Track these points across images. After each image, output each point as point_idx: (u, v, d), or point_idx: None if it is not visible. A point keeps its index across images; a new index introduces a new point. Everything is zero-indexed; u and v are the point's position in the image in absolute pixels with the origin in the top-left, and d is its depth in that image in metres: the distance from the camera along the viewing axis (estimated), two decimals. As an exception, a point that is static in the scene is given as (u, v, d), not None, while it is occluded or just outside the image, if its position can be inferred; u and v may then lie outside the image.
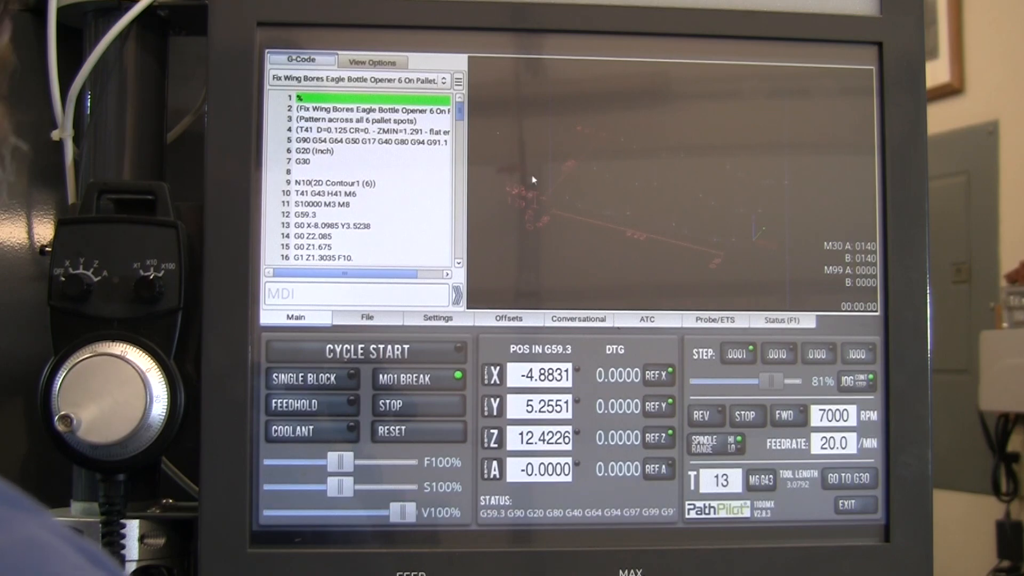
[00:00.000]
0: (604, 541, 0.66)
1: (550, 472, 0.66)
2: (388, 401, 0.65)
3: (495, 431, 0.66)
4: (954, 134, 2.39)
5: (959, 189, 2.40)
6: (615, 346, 0.67)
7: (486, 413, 0.66)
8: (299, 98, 0.66)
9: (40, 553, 0.31)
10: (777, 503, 0.67)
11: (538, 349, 0.66)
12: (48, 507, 0.71)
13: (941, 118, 2.35)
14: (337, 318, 0.65)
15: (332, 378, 0.65)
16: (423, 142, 0.67)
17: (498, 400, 0.66)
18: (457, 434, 0.65)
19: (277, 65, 0.66)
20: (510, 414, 0.66)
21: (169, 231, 0.65)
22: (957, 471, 2.26)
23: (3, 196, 0.79)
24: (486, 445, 0.65)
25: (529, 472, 0.66)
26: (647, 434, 0.66)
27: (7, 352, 0.78)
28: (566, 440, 0.66)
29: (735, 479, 0.67)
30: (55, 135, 0.71)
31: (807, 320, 0.68)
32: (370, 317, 0.65)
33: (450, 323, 0.66)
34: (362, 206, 0.66)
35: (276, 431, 0.64)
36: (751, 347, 0.67)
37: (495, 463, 0.65)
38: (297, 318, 0.65)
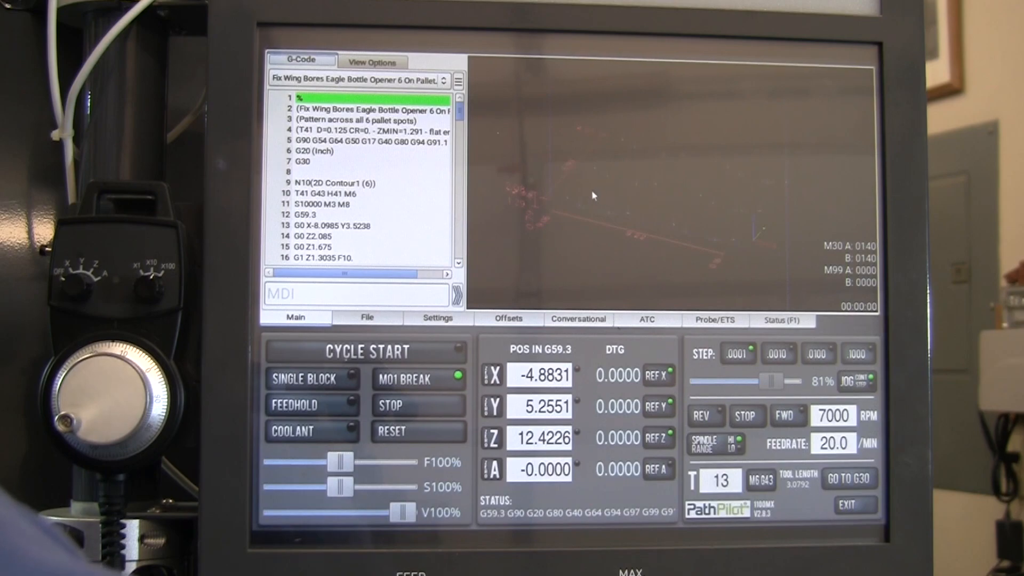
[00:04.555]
0: (604, 541, 0.66)
1: (550, 472, 0.66)
2: (388, 401, 0.65)
3: (495, 431, 0.66)
4: (954, 134, 2.39)
5: (959, 189, 2.40)
6: (615, 346, 0.67)
7: (486, 413, 0.66)
8: (299, 98, 0.66)
9: None
10: (777, 503, 0.67)
11: (538, 349, 0.66)
12: (48, 507, 0.71)
13: (941, 118, 2.35)
14: (337, 318, 0.65)
15: (332, 378, 0.65)
16: (423, 142, 0.67)
17: (498, 400, 0.66)
18: (457, 434, 0.65)
19: (277, 65, 0.66)
20: (510, 414, 0.66)
21: (169, 231, 0.65)
22: (957, 471, 2.26)
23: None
24: (486, 445, 0.65)
25: (529, 472, 0.66)
26: (647, 434, 0.67)
27: (7, 352, 0.78)
28: (566, 440, 0.66)
29: (735, 479, 0.67)
30: (55, 135, 0.71)
31: (807, 320, 0.68)
32: (370, 317, 0.65)
33: (450, 323, 0.66)
34: (362, 206, 0.66)
35: (276, 431, 0.64)
36: (751, 347, 0.67)
37: (495, 463, 0.65)
38: (297, 318, 0.65)
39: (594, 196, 0.66)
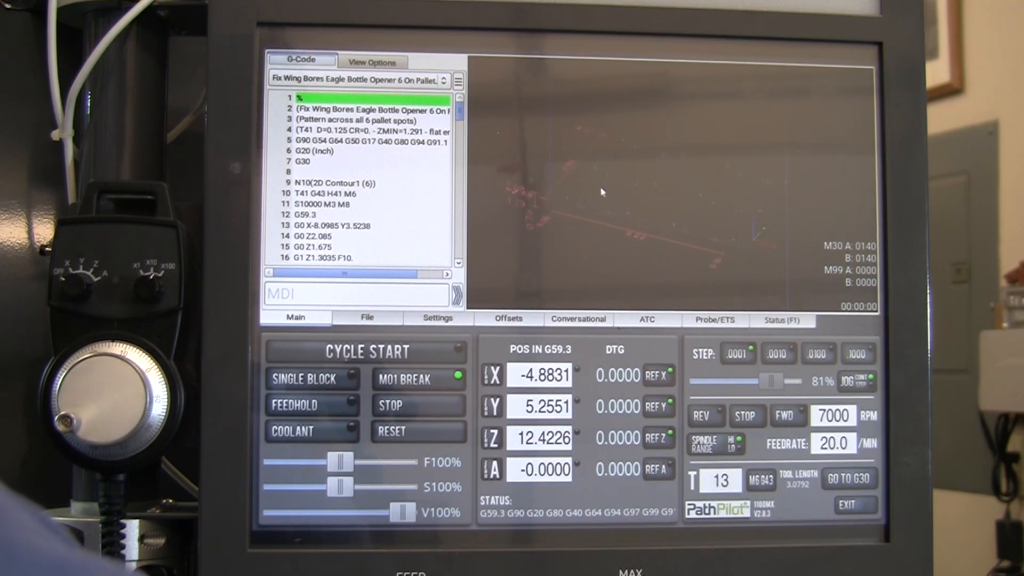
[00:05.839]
0: (604, 541, 0.66)
1: (550, 472, 0.66)
2: (388, 401, 0.65)
3: (495, 431, 0.66)
4: (954, 134, 2.39)
5: (959, 189, 2.40)
6: (615, 346, 0.67)
7: (486, 413, 0.66)
8: (299, 98, 0.66)
9: None
10: (777, 503, 0.67)
11: (538, 349, 0.66)
12: (48, 507, 0.71)
13: (941, 118, 2.35)
14: (337, 318, 0.65)
15: (332, 378, 0.65)
16: (423, 142, 0.67)
17: (498, 400, 0.66)
18: (457, 434, 0.65)
19: (277, 65, 0.66)
20: (510, 414, 0.66)
21: (169, 231, 0.65)
22: (957, 471, 2.26)
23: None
24: (486, 445, 0.65)
25: (529, 472, 0.66)
26: (647, 434, 0.67)
27: (7, 352, 0.78)
28: (566, 440, 0.66)
29: (735, 479, 0.67)
30: (55, 135, 0.71)
31: (807, 320, 0.68)
32: (370, 317, 0.65)
33: (450, 323, 0.66)
34: (362, 206, 0.66)
35: (276, 431, 0.64)
36: (751, 347, 0.67)
37: (495, 463, 0.65)
38: (297, 318, 0.65)
39: (603, 192, 0.66)
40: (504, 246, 0.67)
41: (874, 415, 0.68)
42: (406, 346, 0.65)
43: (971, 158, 2.38)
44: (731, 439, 0.67)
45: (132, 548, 0.66)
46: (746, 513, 0.67)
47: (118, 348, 0.62)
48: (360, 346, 0.65)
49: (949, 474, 2.25)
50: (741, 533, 0.67)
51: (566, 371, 0.66)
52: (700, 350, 0.67)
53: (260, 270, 0.65)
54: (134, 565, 0.66)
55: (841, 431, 0.68)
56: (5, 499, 0.32)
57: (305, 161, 0.66)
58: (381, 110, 0.67)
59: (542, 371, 0.66)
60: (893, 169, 0.69)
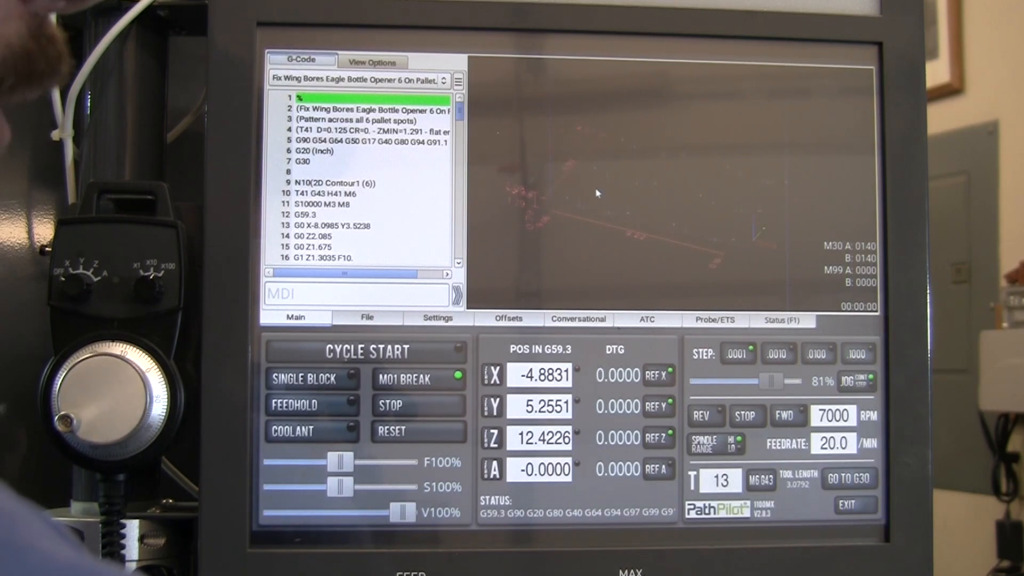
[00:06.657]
0: (604, 541, 0.66)
1: (550, 472, 0.66)
2: (388, 401, 0.65)
3: (495, 431, 0.66)
4: (954, 134, 2.38)
5: (959, 189, 2.40)
6: (615, 346, 0.67)
7: (486, 413, 0.66)
8: (299, 98, 0.66)
9: (8, 520, 0.31)
10: (777, 503, 0.67)
11: (538, 349, 0.66)
12: (48, 507, 0.71)
13: (941, 118, 2.35)
14: (337, 318, 0.65)
15: (332, 378, 0.65)
16: (423, 142, 0.67)
17: (498, 400, 0.66)
18: (457, 434, 0.65)
19: (277, 65, 0.66)
20: (510, 414, 0.66)
21: (169, 231, 0.65)
22: (957, 471, 2.26)
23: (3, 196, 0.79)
24: (486, 445, 0.65)
25: (529, 472, 0.66)
26: (647, 434, 0.67)
27: (7, 352, 0.78)
28: (566, 440, 0.66)
29: (735, 479, 0.67)
30: (55, 135, 0.71)
31: (807, 320, 0.68)
32: (370, 317, 0.65)
33: (450, 323, 0.66)
34: (362, 206, 0.66)
35: (276, 431, 0.64)
36: (751, 347, 0.67)
37: (495, 463, 0.65)
38: (297, 318, 0.65)
39: (598, 193, 0.66)
40: (504, 246, 0.67)
41: (874, 415, 0.68)
42: (406, 346, 0.65)
43: (971, 158, 2.38)
44: (731, 439, 0.67)
45: (132, 548, 0.66)
46: (746, 513, 0.67)
47: (118, 348, 0.62)
48: (360, 346, 0.65)
49: (949, 474, 2.25)
50: (741, 533, 0.67)
51: (566, 371, 0.66)
52: (700, 350, 0.67)
53: (260, 270, 0.65)
54: (134, 565, 0.66)
55: (841, 431, 0.68)
56: (16, 504, 0.32)
57: (305, 161, 0.66)
58: (381, 110, 0.67)
59: (542, 371, 0.66)
60: (893, 169, 0.69)
